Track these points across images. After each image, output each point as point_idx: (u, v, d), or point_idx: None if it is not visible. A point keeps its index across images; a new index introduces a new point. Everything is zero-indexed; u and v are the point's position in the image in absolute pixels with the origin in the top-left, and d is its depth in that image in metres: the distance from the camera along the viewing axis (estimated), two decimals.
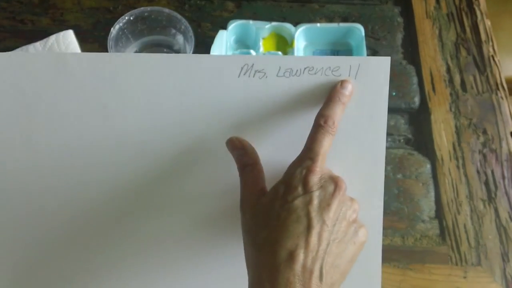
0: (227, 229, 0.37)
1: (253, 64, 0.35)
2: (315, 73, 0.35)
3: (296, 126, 0.36)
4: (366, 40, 0.56)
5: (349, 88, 0.34)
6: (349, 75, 0.35)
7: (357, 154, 0.36)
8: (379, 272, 0.37)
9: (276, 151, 0.36)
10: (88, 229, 0.38)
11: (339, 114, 0.33)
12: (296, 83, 0.35)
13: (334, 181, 0.31)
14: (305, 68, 0.35)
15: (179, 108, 0.36)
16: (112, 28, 0.52)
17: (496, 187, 0.52)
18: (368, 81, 0.35)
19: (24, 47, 0.55)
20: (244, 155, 0.34)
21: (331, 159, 0.33)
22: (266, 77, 0.35)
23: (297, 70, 0.35)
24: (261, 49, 0.55)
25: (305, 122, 0.34)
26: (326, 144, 0.32)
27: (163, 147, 0.36)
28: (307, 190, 0.30)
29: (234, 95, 0.36)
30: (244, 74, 0.35)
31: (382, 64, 0.35)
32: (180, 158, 0.37)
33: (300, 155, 0.33)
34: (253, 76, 0.35)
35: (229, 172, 0.36)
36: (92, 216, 0.37)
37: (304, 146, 0.33)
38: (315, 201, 0.30)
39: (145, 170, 0.37)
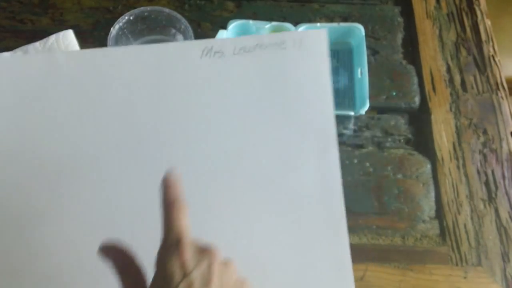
0: None
1: (212, 47, 0.41)
2: (266, 48, 0.41)
3: (255, 99, 0.41)
4: (366, 40, 0.56)
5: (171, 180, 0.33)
6: (293, 47, 0.41)
7: (304, 128, 0.40)
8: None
9: (237, 127, 0.40)
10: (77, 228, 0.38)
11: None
12: (250, 58, 0.41)
13: (207, 253, 0.31)
14: (256, 45, 0.41)
15: (151, 93, 0.40)
16: (112, 28, 0.52)
17: (496, 187, 0.52)
18: (310, 50, 0.41)
19: (23, 47, 0.54)
20: (119, 259, 0.32)
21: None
22: (224, 56, 0.41)
23: (250, 47, 0.41)
24: None
25: (262, 94, 0.40)
26: (184, 219, 0.31)
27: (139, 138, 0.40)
28: (185, 275, 0.30)
29: (197, 75, 0.41)
30: (205, 55, 0.41)
31: (320, 35, 0.42)
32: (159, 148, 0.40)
33: (163, 240, 0.31)
34: (213, 56, 0.41)
35: None
36: (80, 213, 0.38)
37: (163, 229, 0.32)
38: (196, 282, 0.29)
39: (122, 164, 0.39)
